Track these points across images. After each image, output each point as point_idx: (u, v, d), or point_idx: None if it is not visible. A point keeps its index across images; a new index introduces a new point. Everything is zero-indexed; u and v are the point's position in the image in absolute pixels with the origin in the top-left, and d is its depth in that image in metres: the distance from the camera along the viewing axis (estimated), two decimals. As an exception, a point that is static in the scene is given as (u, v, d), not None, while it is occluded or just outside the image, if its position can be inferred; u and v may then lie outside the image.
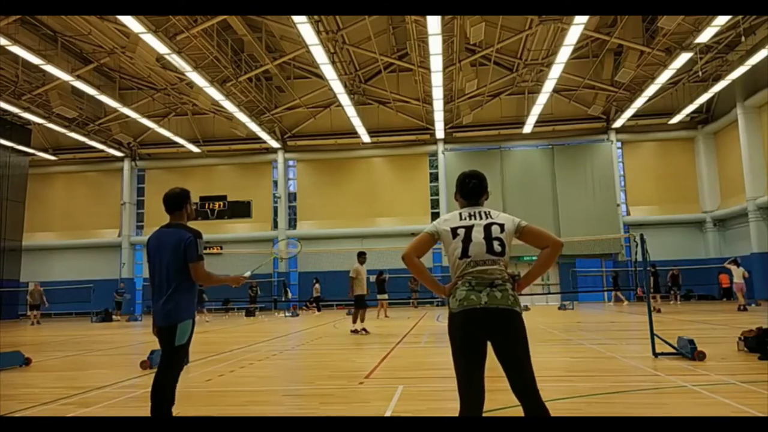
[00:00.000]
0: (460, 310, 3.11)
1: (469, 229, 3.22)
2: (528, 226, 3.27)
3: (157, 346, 9.97)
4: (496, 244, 3.18)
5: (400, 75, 28.14)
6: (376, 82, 28.36)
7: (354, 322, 13.56)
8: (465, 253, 3.17)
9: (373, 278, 24.11)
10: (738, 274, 18.59)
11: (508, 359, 3.08)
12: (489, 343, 3.11)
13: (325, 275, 29.02)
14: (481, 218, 3.26)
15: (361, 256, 13.91)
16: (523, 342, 3.09)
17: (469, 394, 3.08)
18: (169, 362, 4.19)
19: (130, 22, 17.17)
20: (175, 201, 4.38)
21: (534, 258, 3.99)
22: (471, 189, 3.40)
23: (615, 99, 27.76)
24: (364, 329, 13.39)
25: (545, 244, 3.26)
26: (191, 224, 4.45)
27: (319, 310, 27.06)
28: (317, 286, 27.18)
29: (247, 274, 4.89)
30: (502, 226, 3.22)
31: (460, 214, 3.32)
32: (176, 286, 4.19)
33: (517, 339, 3.08)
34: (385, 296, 20.44)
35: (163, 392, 4.14)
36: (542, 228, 3.31)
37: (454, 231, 3.23)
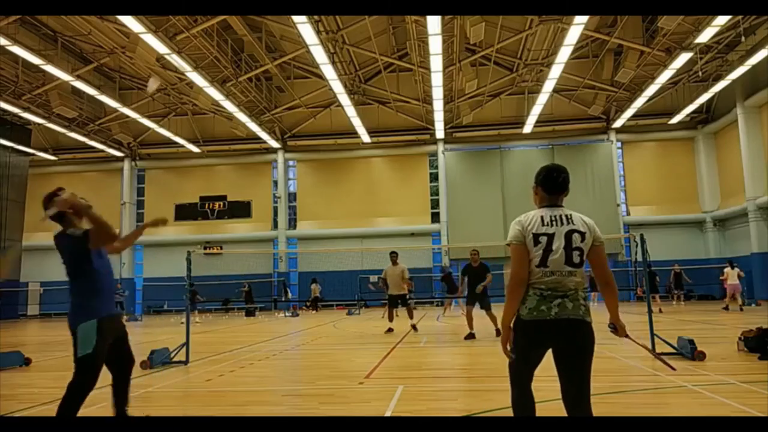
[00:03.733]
0: (530, 319, 3.05)
1: (551, 237, 3.07)
2: (602, 245, 3.16)
3: (157, 345, 9.96)
4: (575, 255, 3.06)
5: (400, 75, 28.14)
6: (376, 82, 28.35)
7: (410, 318, 13.46)
8: (543, 263, 3.05)
9: (374, 278, 24.21)
10: (733, 275, 18.66)
11: (565, 368, 3.05)
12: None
13: (325, 275, 29.02)
14: (561, 224, 3.11)
15: (391, 256, 13.74)
16: (587, 354, 3.04)
17: (519, 394, 3.22)
18: (78, 370, 3.78)
19: (130, 22, 17.16)
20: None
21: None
22: (560, 183, 3.21)
23: (615, 99, 27.75)
24: (413, 326, 13.20)
25: (604, 278, 3.15)
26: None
27: (315, 310, 27.02)
28: (316, 286, 27.18)
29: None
30: (583, 235, 3.09)
31: (542, 217, 3.14)
32: (71, 289, 3.84)
33: (579, 350, 3.03)
34: None
35: (65, 408, 3.68)
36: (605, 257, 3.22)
37: (536, 237, 3.08)
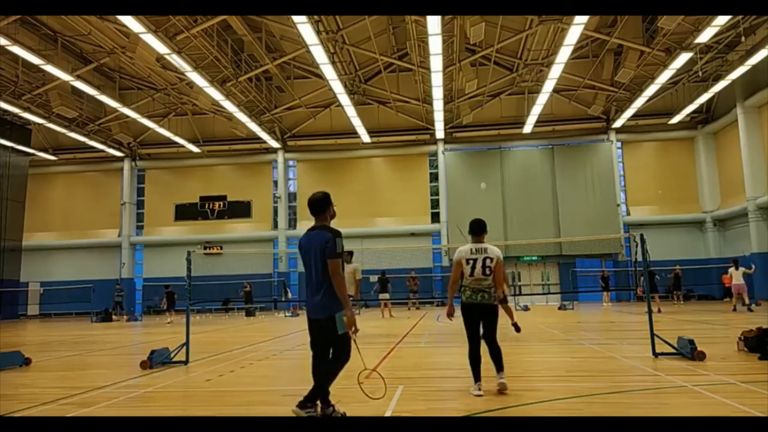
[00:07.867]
0: (468, 303, 5.74)
1: (475, 261, 5.69)
2: (500, 260, 5.76)
3: (156, 345, 9.94)
4: (487, 270, 5.70)
5: (400, 75, 28.13)
6: (376, 82, 28.35)
7: None
8: (471, 272, 5.70)
9: (374, 278, 24.17)
10: (737, 275, 18.54)
11: (486, 328, 5.74)
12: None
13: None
14: (480, 253, 5.71)
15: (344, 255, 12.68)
16: (496, 320, 5.79)
17: (472, 343, 5.73)
18: (339, 349, 4.68)
19: (130, 22, 17.16)
20: (318, 205, 4.86)
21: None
22: (477, 229, 5.87)
23: (615, 99, 27.74)
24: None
25: (499, 279, 5.79)
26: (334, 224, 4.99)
27: None
28: None
29: (353, 330, 4.67)
30: (492, 258, 5.70)
31: (471, 249, 5.75)
32: (328, 282, 4.64)
33: (493, 319, 5.76)
34: (387, 296, 20.39)
35: (332, 375, 4.70)
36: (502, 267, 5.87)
37: (467, 261, 5.72)
